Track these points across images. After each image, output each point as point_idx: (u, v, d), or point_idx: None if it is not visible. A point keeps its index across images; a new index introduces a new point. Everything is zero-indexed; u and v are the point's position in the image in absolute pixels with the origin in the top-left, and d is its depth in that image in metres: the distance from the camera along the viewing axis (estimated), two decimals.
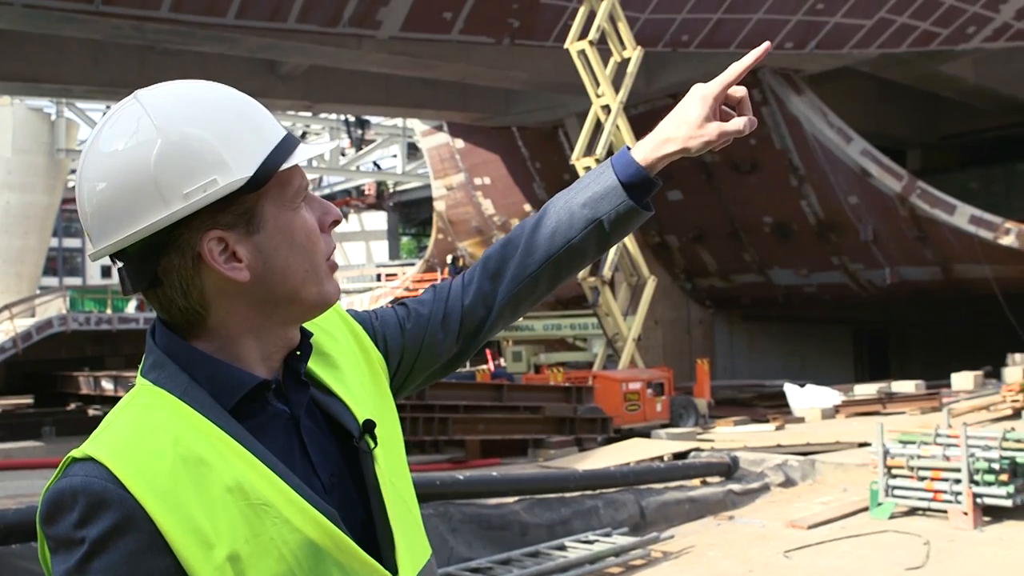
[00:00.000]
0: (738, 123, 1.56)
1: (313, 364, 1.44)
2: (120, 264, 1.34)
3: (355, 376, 1.50)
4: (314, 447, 1.37)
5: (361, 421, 1.44)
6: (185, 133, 1.27)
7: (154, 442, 1.22)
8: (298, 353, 1.40)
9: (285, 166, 1.32)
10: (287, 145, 1.34)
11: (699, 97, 1.57)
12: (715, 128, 1.56)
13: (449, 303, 1.64)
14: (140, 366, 1.35)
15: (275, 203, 1.33)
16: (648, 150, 1.61)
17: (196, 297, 1.31)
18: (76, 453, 1.22)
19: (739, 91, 1.58)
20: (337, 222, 1.42)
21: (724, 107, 1.60)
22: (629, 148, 1.64)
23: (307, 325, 1.43)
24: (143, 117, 1.28)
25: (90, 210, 1.30)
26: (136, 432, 1.24)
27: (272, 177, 1.31)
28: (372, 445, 1.43)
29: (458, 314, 1.64)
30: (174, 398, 1.27)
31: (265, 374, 1.36)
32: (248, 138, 1.31)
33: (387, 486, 1.42)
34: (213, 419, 1.27)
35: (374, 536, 1.37)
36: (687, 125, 1.58)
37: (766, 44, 1.62)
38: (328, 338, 1.50)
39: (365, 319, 1.61)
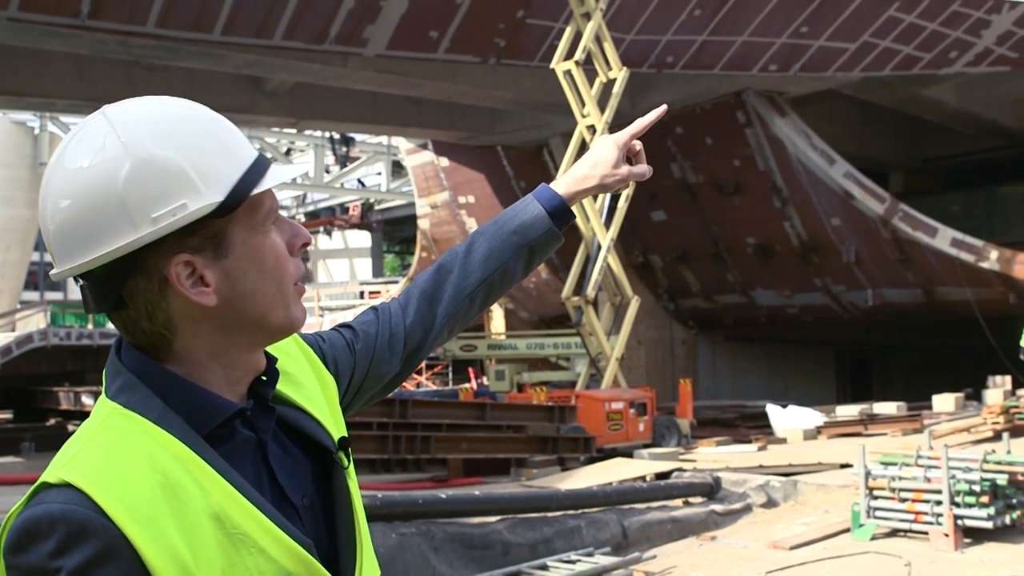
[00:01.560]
0: (643, 168, 1.86)
1: (281, 384, 1.44)
2: (83, 283, 1.31)
3: (316, 395, 1.51)
4: (283, 472, 1.37)
5: (336, 439, 1.45)
6: (155, 154, 1.24)
7: (133, 469, 1.20)
8: (264, 378, 1.39)
9: (257, 191, 1.30)
10: (259, 167, 1.32)
11: (612, 144, 1.84)
12: (626, 170, 1.84)
13: (393, 324, 1.71)
14: (104, 387, 1.32)
15: (244, 227, 1.31)
16: (569, 185, 1.84)
17: (162, 321, 1.29)
18: (49, 478, 1.18)
19: (638, 144, 1.86)
20: (307, 244, 1.41)
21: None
22: (546, 184, 1.85)
23: (268, 348, 1.42)
24: (110, 134, 1.25)
25: (53, 228, 1.27)
26: (113, 458, 1.20)
27: (243, 202, 1.29)
28: (347, 462, 1.44)
29: (402, 335, 1.71)
30: (148, 423, 1.25)
31: (233, 399, 1.34)
32: (219, 160, 1.29)
33: (357, 504, 1.44)
34: (190, 446, 1.25)
35: (337, 555, 1.37)
36: (603, 165, 1.83)
37: (663, 107, 1.91)
38: (288, 359, 1.50)
39: (313, 342, 1.61)
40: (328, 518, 1.39)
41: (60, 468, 1.19)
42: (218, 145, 1.30)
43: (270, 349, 1.43)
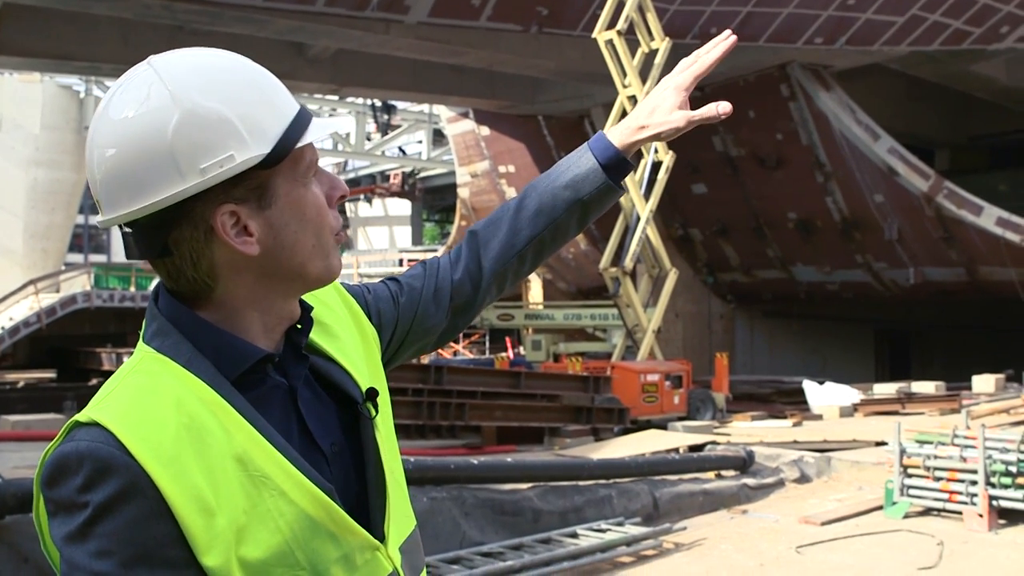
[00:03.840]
0: (708, 109, 1.68)
1: (314, 334, 1.45)
2: (127, 230, 1.33)
3: (352, 347, 1.53)
4: (312, 419, 1.38)
5: (364, 389, 1.46)
6: (203, 105, 1.26)
7: (159, 410, 1.23)
8: (298, 327, 1.41)
9: (301, 143, 1.32)
10: (301, 120, 1.34)
11: (673, 88, 1.71)
12: (683, 116, 1.69)
13: (439, 278, 1.70)
14: (142, 332, 1.35)
15: (287, 178, 1.33)
16: (624, 135, 1.73)
17: (206, 269, 1.31)
18: (80, 417, 1.22)
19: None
20: (344, 197, 1.42)
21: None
22: (603, 133, 1.75)
23: (306, 297, 1.44)
24: (157, 84, 1.26)
25: (100, 176, 1.29)
26: (141, 399, 1.24)
27: (288, 154, 1.31)
28: (374, 412, 1.45)
29: (448, 289, 1.70)
30: (178, 366, 1.28)
31: (267, 346, 1.36)
32: (264, 112, 1.30)
33: (385, 454, 1.45)
34: (217, 390, 1.27)
35: (367, 504, 1.39)
36: (660, 112, 1.70)
37: (734, 38, 1.73)
38: (326, 309, 1.52)
39: (358, 293, 1.63)
40: (358, 466, 1.41)
41: (91, 408, 1.23)
42: (263, 97, 1.32)
43: (310, 299, 1.46)
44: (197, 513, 1.19)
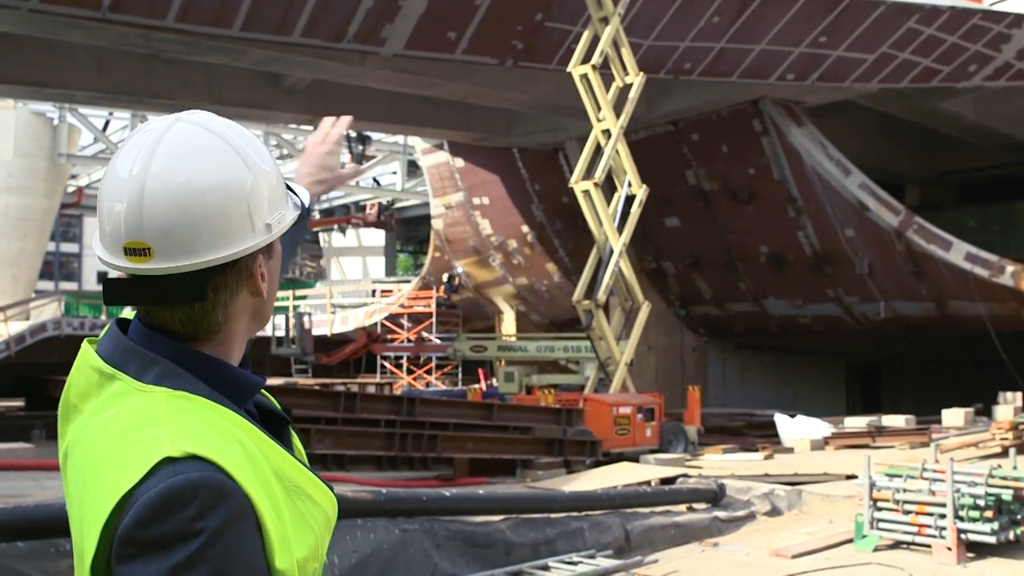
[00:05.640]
0: (354, 170, 2.33)
1: None
2: (121, 274, 1.45)
3: None
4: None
5: (280, 408, 1.65)
6: (264, 169, 1.48)
7: (224, 439, 1.37)
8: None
9: (311, 208, 1.62)
10: (291, 187, 1.63)
11: (333, 153, 2.19)
12: (350, 171, 2.28)
13: None
14: (132, 374, 1.42)
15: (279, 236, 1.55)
16: (312, 188, 2.12)
17: (229, 311, 1.49)
18: (172, 453, 1.31)
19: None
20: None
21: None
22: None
23: None
24: (223, 145, 1.45)
25: (168, 227, 1.40)
26: (207, 430, 1.36)
27: (309, 213, 1.58)
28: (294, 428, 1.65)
29: None
30: (205, 400, 1.41)
31: None
32: (281, 178, 1.54)
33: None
34: (242, 416, 1.43)
35: None
36: (330, 171, 2.17)
37: (349, 118, 2.26)
38: None
39: None
40: None
41: (174, 442, 1.32)
42: (276, 165, 1.54)
43: None
44: (274, 524, 1.36)
